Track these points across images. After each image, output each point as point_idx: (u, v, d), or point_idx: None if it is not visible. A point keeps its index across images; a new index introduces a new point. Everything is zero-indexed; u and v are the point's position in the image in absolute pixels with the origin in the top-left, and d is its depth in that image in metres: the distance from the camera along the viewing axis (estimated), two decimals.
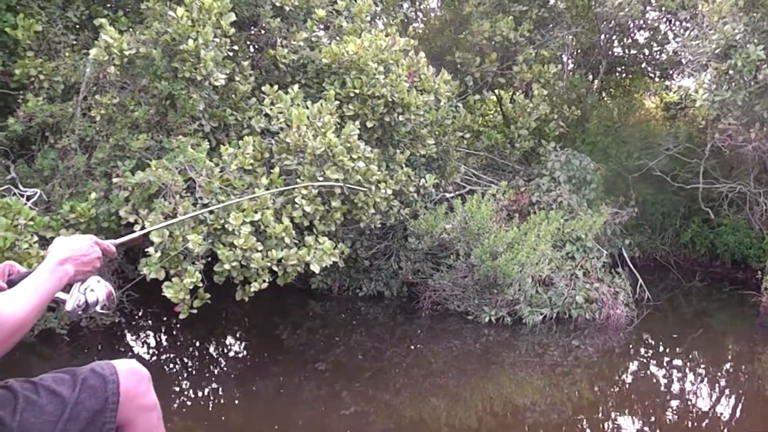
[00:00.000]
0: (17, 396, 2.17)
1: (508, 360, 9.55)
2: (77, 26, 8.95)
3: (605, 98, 17.23)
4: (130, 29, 8.37)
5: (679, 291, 13.64)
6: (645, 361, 10.15)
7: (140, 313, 10.19)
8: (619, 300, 10.84)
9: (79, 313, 2.50)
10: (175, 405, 7.96)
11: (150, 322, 10.54)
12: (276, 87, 8.11)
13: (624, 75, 17.34)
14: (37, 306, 2.11)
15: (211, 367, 9.33)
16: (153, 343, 10.01)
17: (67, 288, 2.44)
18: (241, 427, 7.31)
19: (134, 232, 3.72)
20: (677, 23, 13.96)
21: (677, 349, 10.63)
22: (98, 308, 2.51)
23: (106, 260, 2.58)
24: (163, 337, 10.27)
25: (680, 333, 11.22)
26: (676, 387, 8.98)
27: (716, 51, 10.96)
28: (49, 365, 2.46)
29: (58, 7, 8.71)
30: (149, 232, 4.80)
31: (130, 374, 2.43)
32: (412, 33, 10.65)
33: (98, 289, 2.50)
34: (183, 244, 6.86)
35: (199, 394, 8.31)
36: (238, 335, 10.73)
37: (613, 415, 7.87)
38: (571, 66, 15.42)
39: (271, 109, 7.91)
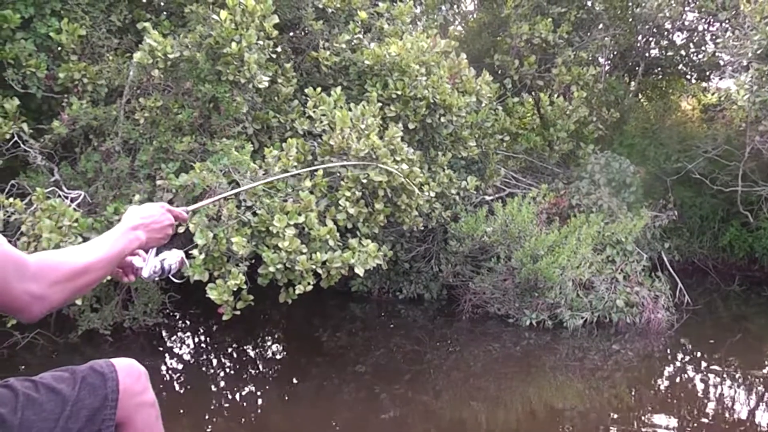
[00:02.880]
0: (18, 394, 2.15)
1: (549, 364, 9.46)
2: (120, 30, 9.02)
3: (642, 100, 17.08)
4: (173, 33, 8.42)
5: (718, 295, 13.47)
6: (685, 366, 10.03)
7: (180, 315, 10.25)
8: (660, 304, 10.72)
9: (155, 279, 2.64)
10: (215, 406, 8.02)
11: (189, 323, 10.60)
12: (319, 89, 8.12)
13: (660, 77, 17.19)
14: (102, 260, 2.12)
15: (250, 368, 9.35)
16: (193, 344, 10.07)
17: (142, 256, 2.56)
18: (280, 428, 7.33)
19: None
20: (717, 24, 13.81)
21: (716, 354, 10.47)
22: (171, 275, 2.67)
23: (177, 227, 2.71)
24: (203, 339, 10.33)
25: (719, 338, 11.07)
26: (715, 393, 8.85)
27: (758, 51, 10.84)
28: None
29: (102, 12, 8.79)
30: (219, 199, 4.93)
31: (129, 372, 2.43)
32: (453, 35, 10.60)
33: (172, 258, 2.64)
34: (227, 245, 6.89)
35: (238, 395, 8.33)
36: (276, 337, 10.76)
37: (651, 420, 7.75)
38: (607, 68, 15.30)
39: (314, 112, 7.92)
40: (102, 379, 2.33)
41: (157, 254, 2.61)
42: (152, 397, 2.51)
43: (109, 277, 6.99)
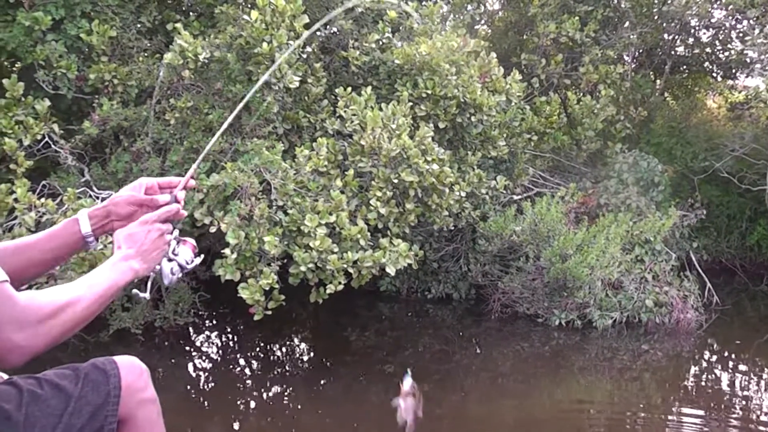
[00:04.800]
0: (22, 391, 2.15)
1: (578, 364, 9.44)
2: (150, 31, 9.08)
3: (668, 98, 16.97)
4: (203, 33, 8.46)
5: (746, 295, 13.35)
6: (714, 367, 9.97)
7: (209, 314, 10.28)
8: (689, 304, 10.64)
9: (179, 277, 2.50)
10: (243, 405, 8.07)
11: (217, 322, 10.63)
12: (349, 89, 8.12)
13: (686, 74, 17.08)
14: (90, 296, 2.05)
15: (278, 367, 9.40)
16: (221, 344, 10.11)
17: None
18: (308, 428, 7.34)
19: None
20: (745, 22, 13.69)
21: (746, 354, 10.42)
22: (191, 266, 2.50)
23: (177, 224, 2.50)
24: (231, 338, 10.37)
25: (747, 338, 10.98)
26: (746, 395, 8.78)
27: None
28: None
29: (132, 13, 8.86)
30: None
31: (131, 369, 2.42)
32: (482, 34, 10.57)
33: (186, 252, 2.48)
34: (258, 245, 6.91)
35: (266, 394, 8.38)
36: (305, 336, 10.79)
37: (679, 421, 7.71)
38: (633, 66, 15.21)
39: (345, 111, 7.91)
40: (104, 376, 2.32)
41: (170, 257, 2.47)
42: (153, 394, 2.50)
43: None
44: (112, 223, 2.40)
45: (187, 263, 2.48)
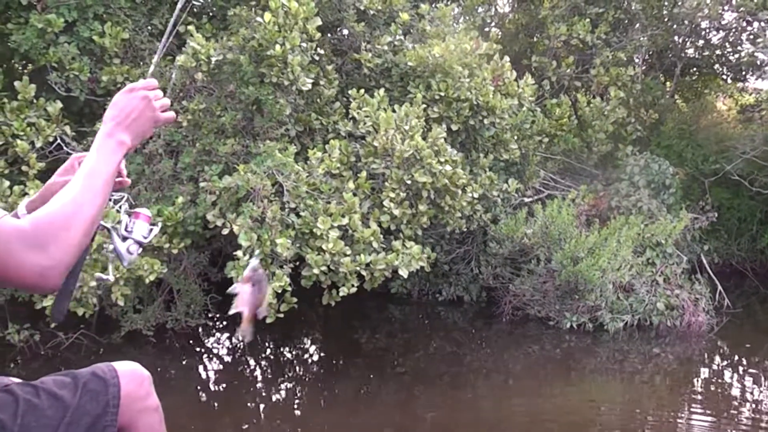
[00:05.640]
0: (18, 399, 2.11)
1: (589, 367, 9.42)
2: (162, 33, 9.05)
3: (678, 101, 16.93)
4: (215, 36, 8.46)
5: (756, 298, 13.31)
6: (725, 370, 9.94)
7: (220, 316, 10.28)
8: (700, 307, 10.61)
9: (139, 252, 2.33)
10: (253, 406, 8.05)
11: (228, 324, 10.62)
12: (361, 91, 8.12)
13: (696, 77, 17.03)
14: (95, 192, 1.87)
15: (289, 370, 9.38)
16: (232, 346, 10.09)
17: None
18: (318, 429, 7.32)
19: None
20: (756, 24, 13.65)
21: (757, 357, 10.38)
22: (149, 239, 2.33)
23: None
24: (242, 340, 10.33)
25: (758, 341, 10.95)
26: (757, 398, 8.75)
27: None
28: None
29: (144, 15, 8.88)
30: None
31: (132, 377, 2.37)
32: (494, 37, 10.55)
33: (142, 227, 2.32)
34: (271, 247, 6.90)
35: (276, 396, 8.38)
36: (316, 339, 10.77)
37: (690, 424, 7.69)
38: (644, 68, 15.17)
39: (357, 113, 7.91)
40: (104, 384, 2.28)
41: (124, 235, 2.29)
42: (155, 402, 2.46)
43: (152, 278, 6.94)
44: None
45: (144, 237, 2.32)
